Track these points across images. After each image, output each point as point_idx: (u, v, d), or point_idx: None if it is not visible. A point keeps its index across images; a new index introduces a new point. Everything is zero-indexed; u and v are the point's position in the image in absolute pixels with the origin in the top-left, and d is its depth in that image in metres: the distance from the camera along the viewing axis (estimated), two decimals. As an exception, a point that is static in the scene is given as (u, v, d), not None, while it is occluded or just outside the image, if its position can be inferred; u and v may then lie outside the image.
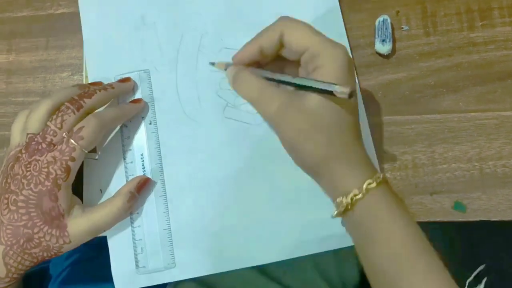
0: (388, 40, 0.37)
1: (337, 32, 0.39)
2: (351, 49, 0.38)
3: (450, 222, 0.36)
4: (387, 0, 0.39)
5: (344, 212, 0.29)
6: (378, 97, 0.38)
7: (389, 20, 0.38)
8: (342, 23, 0.39)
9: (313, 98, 0.29)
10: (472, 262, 0.70)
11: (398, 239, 0.29)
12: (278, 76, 0.30)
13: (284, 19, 0.31)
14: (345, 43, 0.38)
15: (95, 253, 0.45)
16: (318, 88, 0.28)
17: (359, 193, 0.28)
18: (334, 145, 0.29)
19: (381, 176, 0.29)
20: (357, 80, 0.38)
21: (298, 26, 0.30)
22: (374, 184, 0.28)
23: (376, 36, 0.37)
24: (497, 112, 0.37)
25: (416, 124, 0.37)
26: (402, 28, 0.39)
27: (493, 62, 0.38)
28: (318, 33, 0.30)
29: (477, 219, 0.36)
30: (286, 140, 0.30)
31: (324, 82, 0.28)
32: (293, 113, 0.29)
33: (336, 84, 0.27)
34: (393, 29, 0.39)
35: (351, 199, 0.28)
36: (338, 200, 0.29)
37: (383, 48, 0.37)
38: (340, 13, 0.39)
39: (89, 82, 0.39)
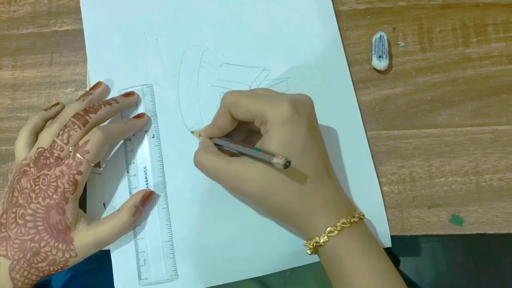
0: (384, 56, 0.41)
1: (335, 48, 0.42)
2: (348, 65, 0.42)
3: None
4: (384, 16, 0.43)
5: (315, 250, 0.34)
6: (376, 111, 0.41)
7: (385, 37, 0.41)
8: (340, 39, 0.42)
9: (258, 167, 0.33)
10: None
11: (365, 277, 0.33)
12: (233, 147, 0.36)
13: (227, 96, 0.36)
14: (343, 58, 0.42)
15: (96, 265, 0.48)
16: (260, 159, 0.33)
17: (321, 240, 0.33)
18: (289, 202, 0.33)
19: (347, 220, 0.33)
20: (354, 95, 0.41)
21: (240, 100, 0.35)
22: (335, 232, 0.33)
23: (373, 52, 0.41)
24: (493, 126, 0.40)
25: (413, 139, 0.40)
26: (398, 44, 0.42)
27: (488, 77, 0.41)
28: (259, 99, 0.34)
29: (474, 232, 0.38)
30: (249, 202, 0.36)
31: (264, 152, 0.32)
32: (244, 185, 0.33)
33: (274, 155, 0.31)
34: (389, 45, 0.42)
35: (316, 243, 0.34)
36: (305, 243, 0.35)
37: (380, 64, 0.41)
38: (338, 29, 0.43)
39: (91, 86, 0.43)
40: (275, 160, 0.31)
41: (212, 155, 0.36)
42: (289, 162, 0.31)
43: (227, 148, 0.36)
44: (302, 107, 0.34)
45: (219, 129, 0.37)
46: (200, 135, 0.39)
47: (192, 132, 0.40)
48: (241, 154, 0.35)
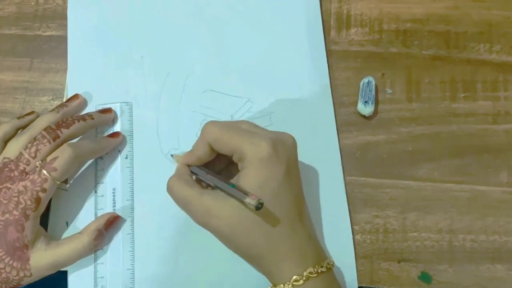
0: (370, 102, 0.41)
1: (323, 87, 0.43)
2: (334, 106, 0.42)
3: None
4: (374, 61, 0.43)
5: None
6: (356, 157, 0.41)
7: (373, 83, 0.42)
8: (328, 79, 0.43)
9: (230, 203, 0.33)
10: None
11: None
12: (208, 178, 0.35)
13: (208, 126, 0.35)
14: (329, 99, 0.42)
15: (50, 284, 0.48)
16: (235, 196, 0.32)
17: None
18: (257, 245, 0.33)
19: (314, 270, 0.33)
20: (337, 137, 0.41)
21: (220, 133, 0.35)
22: (301, 282, 0.33)
23: (360, 97, 0.41)
24: (471, 185, 0.40)
25: (390, 189, 0.41)
26: (386, 91, 0.43)
27: (472, 135, 0.41)
28: (239, 134, 0.34)
29: (442, 291, 0.39)
30: (216, 237, 0.35)
31: (238, 190, 0.32)
32: (214, 220, 0.33)
33: (248, 195, 0.31)
34: (377, 90, 0.42)
35: None
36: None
37: (365, 109, 0.41)
38: (328, 69, 0.43)
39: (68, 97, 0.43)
40: (248, 200, 0.31)
41: (184, 185, 0.35)
42: (262, 203, 0.31)
43: (203, 179, 0.36)
44: (283, 148, 0.34)
45: (197, 158, 0.37)
46: (178, 161, 0.38)
47: (172, 156, 0.40)
48: (216, 187, 0.35)
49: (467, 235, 0.39)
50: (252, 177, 0.33)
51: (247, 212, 0.33)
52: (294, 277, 0.33)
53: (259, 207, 0.31)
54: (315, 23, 0.44)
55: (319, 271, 0.33)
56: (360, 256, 0.39)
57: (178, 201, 0.36)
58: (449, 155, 0.41)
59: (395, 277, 0.39)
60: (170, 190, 0.36)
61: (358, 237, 0.40)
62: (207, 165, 0.38)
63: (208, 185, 0.36)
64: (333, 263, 0.36)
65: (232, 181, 0.34)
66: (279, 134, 0.36)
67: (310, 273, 0.33)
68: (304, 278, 0.33)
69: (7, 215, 0.35)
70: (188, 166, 0.37)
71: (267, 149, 0.33)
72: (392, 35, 0.44)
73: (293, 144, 0.36)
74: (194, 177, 0.37)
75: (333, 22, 0.44)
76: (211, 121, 0.36)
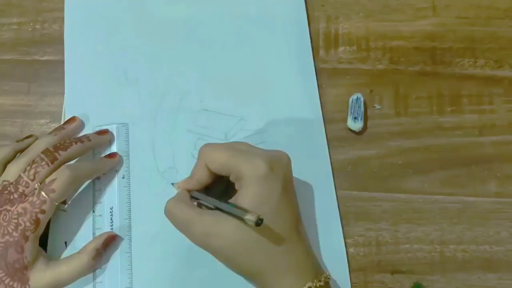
0: (360, 118, 0.42)
1: (313, 105, 0.44)
2: (325, 123, 0.43)
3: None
4: (362, 78, 0.45)
5: None
6: (347, 171, 0.43)
7: (362, 99, 0.43)
8: (318, 96, 0.44)
9: (230, 223, 0.34)
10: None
11: None
12: (208, 200, 0.36)
13: (203, 149, 0.37)
14: (319, 116, 0.44)
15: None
16: (234, 214, 0.33)
17: None
18: (257, 263, 0.34)
19: (313, 284, 0.34)
20: (328, 153, 0.42)
21: (216, 153, 0.36)
22: None
23: (349, 113, 0.43)
24: (461, 197, 0.42)
25: (382, 202, 0.42)
26: (374, 106, 0.44)
27: (460, 148, 0.43)
28: (235, 154, 0.35)
29: (435, 301, 0.40)
30: (216, 257, 0.36)
31: (238, 208, 0.33)
32: (214, 240, 0.34)
33: (247, 212, 0.32)
34: (366, 106, 0.44)
35: None
36: None
37: (355, 125, 0.42)
38: (317, 87, 0.44)
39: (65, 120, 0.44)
40: (248, 217, 0.32)
41: (183, 206, 0.36)
42: (261, 220, 0.32)
43: (203, 202, 0.37)
44: (279, 166, 0.36)
45: (197, 181, 0.38)
46: (178, 187, 0.39)
47: (172, 184, 0.40)
48: (216, 208, 0.36)
49: (458, 245, 0.40)
50: (250, 195, 0.34)
51: (247, 231, 0.34)
52: None
53: (259, 223, 0.31)
54: (304, 43, 0.46)
55: (318, 285, 0.34)
56: (353, 268, 0.40)
57: (177, 223, 0.36)
58: (439, 168, 0.42)
59: (389, 289, 0.40)
60: (168, 213, 0.37)
61: (351, 250, 0.41)
62: (207, 190, 0.38)
63: (208, 209, 0.37)
64: (330, 276, 0.36)
65: (231, 201, 0.35)
66: (274, 152, 0.37)
67: (309, 287, 0.34)
68: None
69: (7, 237, 0.36)
70: (189, 191, 0.38)
71: (264, 168, 0.34)
72: (379, 53, 0.46)
73: (288, 162, 0.37)
74: (195, 203, 0.38)
75: (322, 41, 0.46)
76: (207, 144, 0.38)
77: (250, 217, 0.32)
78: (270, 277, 0.35)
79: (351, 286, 0.40)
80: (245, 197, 0.34)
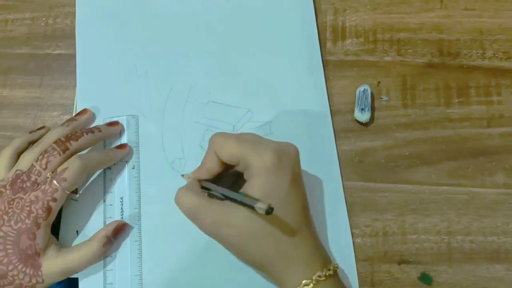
0: (367, 110, 0.43)
1: (320, 97, 0.45)
2: (332, 114, 0.44)
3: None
4: (369, 70, 0.46)
5: None
6: (354, 162, 0.43)
7: (369, 90, 0.44)
8: (325, 88, 0.45)
9: (240, 212, 0.34)
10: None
11: None
12: (219, 190, 0.36)
13: (213, 138, 0.37)
14: (327, 107, 0.44)
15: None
16: (244, 203, 0.34)
17: None
18: (267, 252, 0.35)
19: (322, 273, 0.34)
20: (335, 144, 0.43)
21: (226, 142, 0.36)
22: (311, 286, 0.34)
23: (356, 105, 0.43)
24: (468, 188, 0.42)
25: (389, 193, 0.42)
26: (382, 98, 0.45)
27: (467, 139, 0.43)
28: (245, 144, 0.36)
29: (442, 292, 0.40)
30: (225, 246, 0.36)
31: (248, 197, 0.33)
32: (223, 229, 0.35)
33: (257, 200, 0.32)
34: (373, 98, 0.44)
35: None
36: None
37: (362, 116, 0.43)
38: (324, 79, 0.45)
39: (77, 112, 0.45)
40: (258, 205, 0.32)
41: (193, 195, 0.37)
42: (272, 208, 0.32)
43: (214, 192, 0.38)
44: (287, 157, 0.36)
45: (207, 170, 0.38)
46: (189, 177, 0.40)
47: (182, 176, 0.41)
48: (226, 198, 0.36)
49: (465, 236, 0.41)
50: (259, 186, 0.35)
51: (257, 220, 0.34)
52: (304, 281, 0.34)
53: (269, 211, 0.32)
54: (311, 36, 0.47)
55: (327, 274, 0.35)
56: (360, 259, 0.41)
57: (186, 211, 0.37)
58: (446, 159, 0.43)
59: (396, 279, 0.40)
60: (178, 200, 0.37)
61: (358, 240, 0.41)
62: (216, 181, 0.39)
63: (218, 199, 0.38)
64: (338, 266, 0.37)
65: (240, 191, 0.36)
66: (283, 144, 0.38)
67: (319, 276, 0.34)
68: (314, 282, 0.34)
69: (19, 224, 0.38)
70: (199, 181, 0.39)
71: (272, 159, 0.35)
72: (386, 45, 0.46)
73: (296, 154, 0.38)
74: (205, 193, 0.38)
75: (329, 34, 0.47)
76: (218, 133, 0.38)
77: (261, 205, 0.32)
78: (280, 267, 0.35)
79: (358, 276, 0.40)
80: (254, 187, 0.35)
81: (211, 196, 0.38)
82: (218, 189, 0.37)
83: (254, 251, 0.35)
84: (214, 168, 0.38)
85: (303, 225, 0.36)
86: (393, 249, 0.41)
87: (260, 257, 0.35)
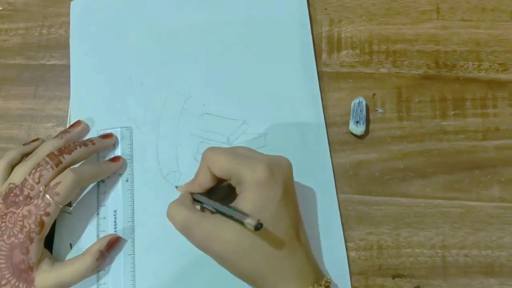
0: (362, 122, 0.43)
1: (315, 108, 0.45)
2: (326, 126, 0.44)
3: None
4: (365, 82, 0.45)
5: None
6: (349, 175, 0.43)
7: (364, 103, 0.44)
8: (320, 100, 0.45)
9: (231, 227, 0.34)
10: None
11: None
12: (210, 203, 0.37)
13: (206, 152, 0.37)
14: (322, 119, 0.44)
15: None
16: (235, 218, 0.34)
17: None
18: (258, 267, 0.34)
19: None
20: (329, 157, 0.43)
21: (218, 157, 0.36)
22: None
23: (351, 117, 0.43)
24: (463, 201, 0.42)
25: (384, 206, 0.42)
26: (377, 110, 0.44)
27: (462, 152, 0.43)
28: (237, 159, 0.36)
29: (437, 306, 0.40)
30: (216, 261, 0.36)
31: (239, 212, 0.33)
32: (214, 244, 0.34)
33: (247, 216, 0.32)
34: (368, 110, 0.44)
35: None
36: None
37: (357, 129, 0.43)
38: (320, 90, 0.45)
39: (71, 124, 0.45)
40: (248, 221, 0.32)
41: (185, 209, 0.37)
42: (261, 224, 0.32)
43: (205, 206, 0.38)
44: (279, 171, 0.36)
45: (199, 185, 0.38)
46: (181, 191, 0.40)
47: (176, 187, 0.41)
48: (217, 211, 0.36)
49: (460, 250, 0.41)
50: (250, 200, 0.35)
51: (248, 235, 0.34)
52: None
53: (258, 227, 0.32)
54: (307, 47, 0.46)
55: None
56: (355, 272, 0.41)
57: (178, 225, 0.37)
58: (441, 172, 0.42)
59: (390, 293, 0.40)
60: (170, 215, 0.37)
61: (352, 253, 0.41)
62: (209, 194, 0.39)
63: (211, 212, 0.38)
64: (331, 281, 0.37)
65: (231, 205, 0.36)
66: (275, 157, 0.38)
67: None
68: None
69: (12, 239, 0.38)
70: (192, 194, 0.39)
71: (264, 172, 0.35)
72: (382, 56, 0.46)
73: (289, 167, 0.38)
74: (198, 206, 0.39)
75: (324, 45, 0.47)
76: (210, 147, 0.38)
77: (250, 221, 0.32)
78: (271, 281, 0.35)
79: (352, 290, 0.40)
80: (245, 201, 0.35)
81: (203, 208, 0.39)
82: (209, 203, 0.37)
83: (245, 266, 0.35)
84: (206, 182, 0.38)
85: (295, 239, 0.36)
86: (388, 262, 0.41)
87: (251, 271, 0.35)
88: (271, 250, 0.35)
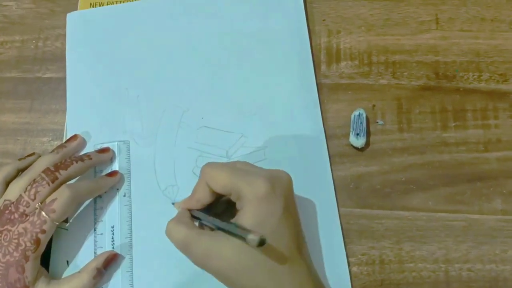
0: (362, 135, 0.42)
1: (314, 121, 0.44)
2: (326, 138, 0.43)
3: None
4: (364, 93, 0.45)
5: None
6: (350, 188, 0.42)
7: (364, 115, 0.43)
8: (320, 112, 0.44)
9: (231, 244, 0.34)
10: None
11: None
12: (210, 220, 0.36)
13: (204, 168, 0.37)
14: (321, 132, 0.44)
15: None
16: (236, 234, 0.33)
17: None
18: (260, 283, 0.34)
19: None
20: (330, 169, 0.42)
21: (217, 173, 0.36)
22: None
23: (351, 130, 0.43)
24: (466, 214, 0.41)
25: (385, 219, 0.42)
26: (377, 122, 0.44)
27: (464, 164, 0.43)
28: (236, 174, 0.35)
29: (441, 322, 0.40)
30: (217, 278, 0.35)
31: (240, 228, 0.33)
32: (214, 261, 0.34)
33: (250, 232, 0.32)
34: (368, 122, 0.44)
35: None
36: None
37: (357, 141, 0.42)
38: (319, 102, 0.45)
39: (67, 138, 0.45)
40: (250, 237, 0.31)
41: (183, 226, 0.36)
42: (264, 240, 0.31)
43: (204, 222, 0.37)
44: (279, 185, 0.36)
45: (197, 201, 0.38)
46: (179, 207, 0.39)
47: (173, 204, 0.41)
48: (217, 228, 0.36)
49: (463, 264, 0.40)
50: (251, 215, 0.34)
51: (248, 251, 0.34)
52: None
53: (262, 243, 0.31)
54: (305, 58, 0.46)
55: None
56: (357, 288, 0.40)
57: (177, 244, 0.36)
58: (442, 184, 0.42)
59: (393, 309, 0.40)
60: (169, 233, 0.37)
61: (354, 269, 0.41)
62: (207, 210, 0.38)
63: (210, 229, 0.37)
64: None
65: (232, 221, 0.35)
66: (275, 171, 0.37)
67: None
68: None
69: (7, 257, 0.37)
70: (190, 211, 0.38)
71: (264, 187, 0.35)
72: (381, 67, 0.46)
73: (289, 181, 0.37)
74: (197, 223, 0.38)
75: (323, 56, 0.46)
76: (209, 163, 0.38)
77: (253, 237, 0.31)
78: None
79: (354, 305, 0.40)
80: (245, 217, 0.34)
81: (201, 225, 0.38)
82: (209, 220, 0.36)
83: (245, 282, 0.34)
84: (205, 198, 0.37)
85: (296, 254, 0.35)
86: (390, 278, 0.40)
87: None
88: (273, 265, 0.34)
